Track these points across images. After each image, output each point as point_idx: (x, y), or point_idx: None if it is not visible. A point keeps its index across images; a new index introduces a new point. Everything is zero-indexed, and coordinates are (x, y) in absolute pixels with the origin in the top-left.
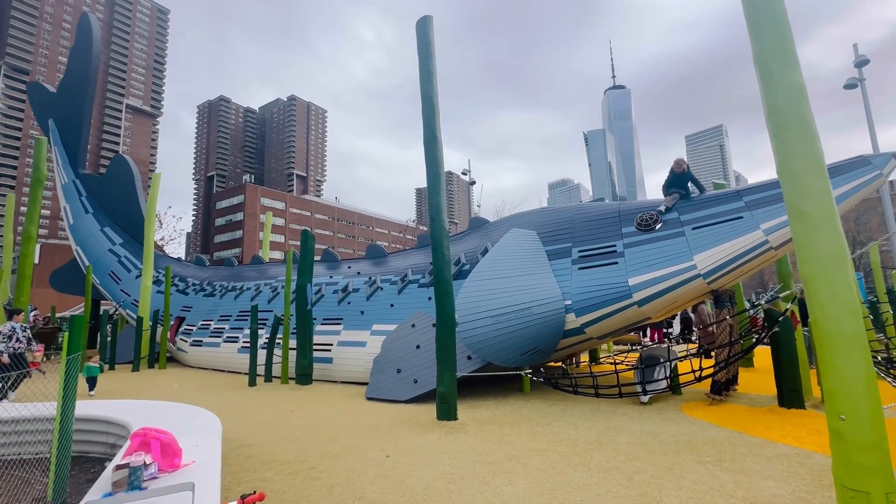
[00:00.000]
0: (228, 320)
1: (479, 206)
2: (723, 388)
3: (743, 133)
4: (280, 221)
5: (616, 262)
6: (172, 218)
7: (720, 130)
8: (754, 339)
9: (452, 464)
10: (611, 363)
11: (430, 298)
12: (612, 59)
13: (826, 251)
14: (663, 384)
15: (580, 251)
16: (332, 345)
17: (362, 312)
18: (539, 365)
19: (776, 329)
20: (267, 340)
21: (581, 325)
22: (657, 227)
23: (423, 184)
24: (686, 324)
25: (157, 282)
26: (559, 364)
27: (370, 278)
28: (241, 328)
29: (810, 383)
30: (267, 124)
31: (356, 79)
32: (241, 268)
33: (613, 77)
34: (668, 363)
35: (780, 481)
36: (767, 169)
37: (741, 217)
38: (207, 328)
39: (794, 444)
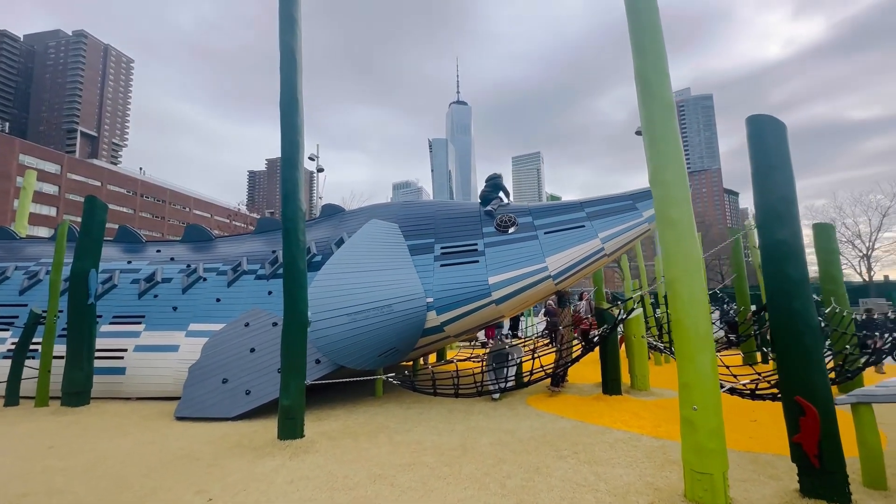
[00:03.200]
0: None
1: (320, 197)
2: (560, 380)
3: (554, 161)
4: (52, 189)
5: (477, 261)
6: None
7: (538, 156)
8: (595, 337)
9: (303, 497)
10: (462, 361)
11: (270, 293)
12: (458, 75)
13: (691, 256)
14: (513, 381)
15: (443, 248)
16: (125, 350)
17: (175, 308)
18: (392, 366)
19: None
20: (14, 347)
21: (441, 323)
22: (513, 229)
23: (259, 166)
24: (513, 322)
25: None
26: (409, 364)
27: (189, 266)
28: None
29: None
30: (38, 60)
31: (181, 30)
32: None
33: (458, 92)
34: (516, 361)
35: (628, 468)
36: (571, 194)
37: (583, 226)
38: None
39: (624, 427)
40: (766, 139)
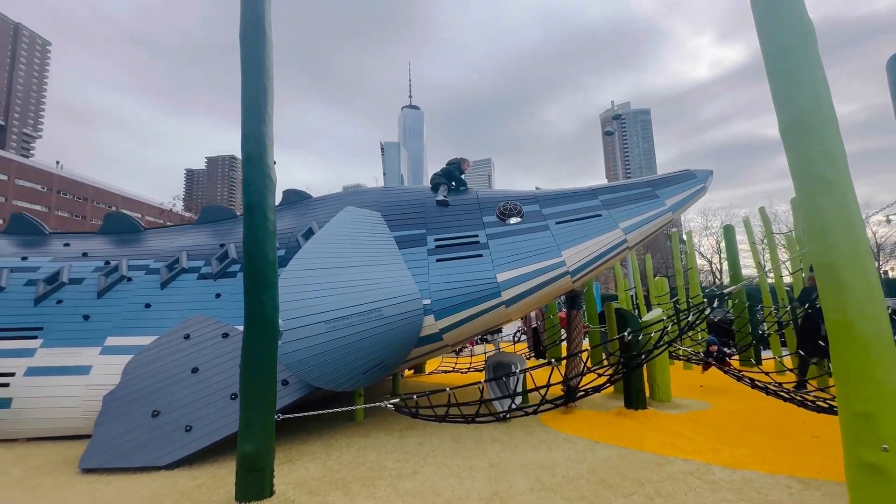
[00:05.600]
0: None
1: None
2: (575, 393)
3: (504, 169)
4: None
5: (481, 255)
6: None
7: (489, 163)
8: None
9: None
10: (456, 369)
11: (218, 296)
12: (410, 79)
13: (857, 232)
14: (520, 396)
15: (437, 240)
16: (12, 375)
17: (87, 317)
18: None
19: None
20: None
21: (440, 329)
22: (517, 218)
23: (198, 164)
24: None
25: None
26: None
27: (108, 263)
28: None
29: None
30: None
31: (109, 14)
32: None
33: (410, 97)
34: (521, 371)
35: None
36: None
37: (600, 215)
38: None
39: (679, 454)
40: None
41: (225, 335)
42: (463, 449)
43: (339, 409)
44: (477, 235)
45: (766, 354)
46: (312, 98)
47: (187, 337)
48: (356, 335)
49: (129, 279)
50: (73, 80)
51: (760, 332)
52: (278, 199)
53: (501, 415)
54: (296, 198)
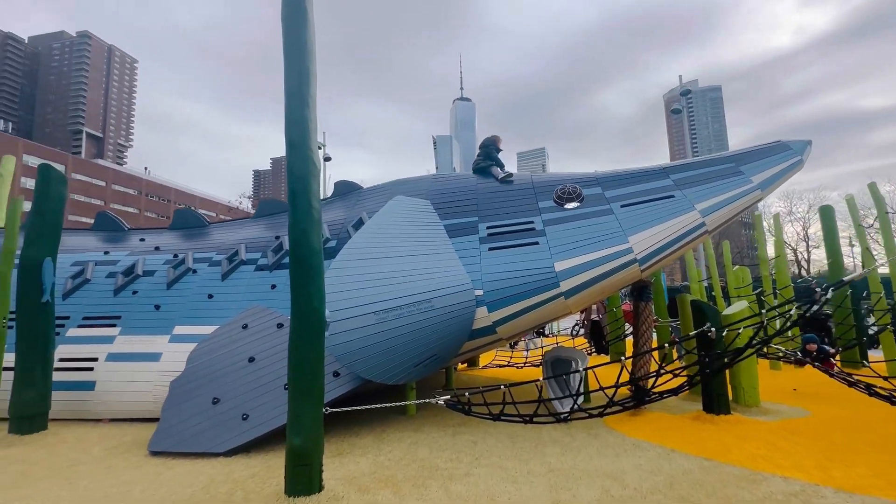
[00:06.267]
0: None
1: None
2: (646, 393)
3: (559, 157)
4: None
5: (537, 242)
6: None
7: (543, 152)
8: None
9: None
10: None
11: (273, 287)
12: (461, 71)
13: None
14: (581, 396)
15: (489, 227)
16: (96, 360)
17: (158, 307)
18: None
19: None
20: None
21: (493, 322)
22: (578, 202)
23: (264, 165)
24: None
25: None
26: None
27: (176, 256)
28: None
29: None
30: (42, 62)
31: (184, 29)
32: None
33: (462, 89)
34: (584, 369)
35: None
36: None
37: (672, 196)
38: None
39: (774, 470)
40: None
41: (280, 325)
42: (520, 450)
43: (389, 405)
44: (532, 222)
45: (873, 354)
46: (366, 94)
47: (245, 327)
48: (406, 327)
49: (195, 271)
50: (155, 92)
51: (867, 325)
52: (330, 190)
53: (562, 416)
54: (347, 189)
